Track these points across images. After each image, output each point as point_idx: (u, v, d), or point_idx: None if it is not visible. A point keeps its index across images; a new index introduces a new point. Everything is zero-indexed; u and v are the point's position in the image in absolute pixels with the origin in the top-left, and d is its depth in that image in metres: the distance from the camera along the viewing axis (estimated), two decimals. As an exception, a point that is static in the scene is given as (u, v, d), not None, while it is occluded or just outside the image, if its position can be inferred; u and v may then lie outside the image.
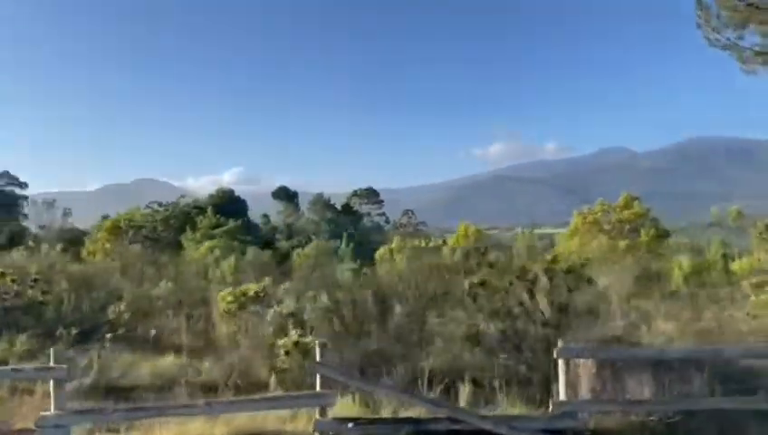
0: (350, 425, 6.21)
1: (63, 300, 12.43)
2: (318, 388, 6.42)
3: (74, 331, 10.42)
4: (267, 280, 12.83)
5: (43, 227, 46.82)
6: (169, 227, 36.88)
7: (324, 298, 9.82)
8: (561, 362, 6.71)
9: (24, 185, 62.46)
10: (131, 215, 33.19)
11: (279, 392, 7.56)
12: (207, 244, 25.49)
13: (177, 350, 10.33)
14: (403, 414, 6.80)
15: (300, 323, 9.13)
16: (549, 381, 7.45)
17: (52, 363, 6.02)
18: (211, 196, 66.67)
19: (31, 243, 24.68)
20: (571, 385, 6.83)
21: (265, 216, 73.49)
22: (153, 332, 11.52)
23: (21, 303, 12.12)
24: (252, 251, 21.03)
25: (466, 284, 8.95)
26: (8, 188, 60.57)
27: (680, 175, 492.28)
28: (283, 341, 8.45)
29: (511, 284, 8.82)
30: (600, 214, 15.73)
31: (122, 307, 12.10)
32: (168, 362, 9.78)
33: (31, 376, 7.25)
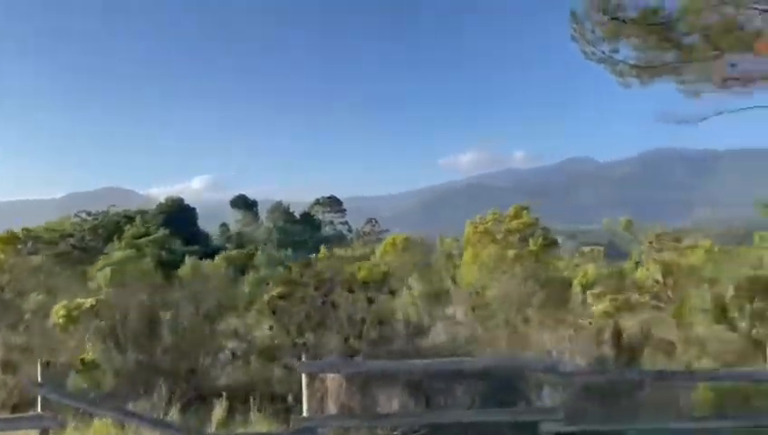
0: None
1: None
2: (39, 409, 6.25)
3: None
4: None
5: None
6: (97, 236, 36.35)
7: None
8: (304, 377, 6.67)
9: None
10: (51, 225, 32.54)
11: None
12: (117, 254, 25.04)
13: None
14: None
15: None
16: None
17: None
18: (160, 204, 65.98)
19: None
20: (319, 400, 6.79)
21: (224, 225, 72.96)
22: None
23: None
24: (147, 263, 20.69)
25: (266, 296, 8.88)
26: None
27: (642, 184, 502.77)
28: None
29: (307, 296, 8.77)
30: (491, 224, 15.86)
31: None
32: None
33: None
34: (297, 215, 73.78)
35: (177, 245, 37.22)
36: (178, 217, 59.54)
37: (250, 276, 22.83)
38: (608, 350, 9.60)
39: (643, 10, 13.70)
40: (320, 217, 74.13)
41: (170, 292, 10.45)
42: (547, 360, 7.42)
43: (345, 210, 75.71)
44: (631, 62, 15.40)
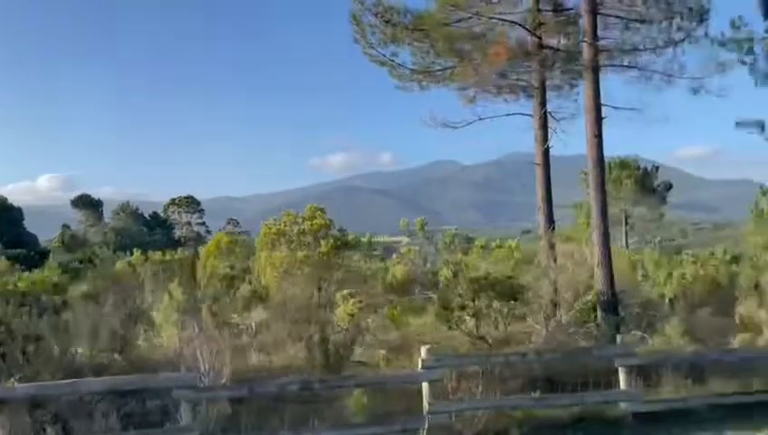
0: None
1: None
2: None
3: None
4: None
5: None
6: None
7: None
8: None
9: None
10: None
11: None
12: None
13: None
14: None
15: None
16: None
17: None
18: (-21, 204, 59.80)
19: None
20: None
21: (66, 226, 67.56)
22: None
23: None
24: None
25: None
26: None
27: (500, 186, 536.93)
28: None
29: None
30: (285, 225, 15.80)
31: None
32: None
33: None
34: (147, 215, 70.17)
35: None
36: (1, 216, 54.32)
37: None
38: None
39: (414, 15, 14.06)
40: (176, 217, 70.87)
41: None
42: (185, 376, 6.89)
43: (203, 210, 73.06)
44: (410, 66, 15.97)
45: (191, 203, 72.21)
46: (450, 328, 10.42)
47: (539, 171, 14.76)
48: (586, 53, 11.96)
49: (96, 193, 76.74)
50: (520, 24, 13.44)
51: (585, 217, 27.27)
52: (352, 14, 14.54)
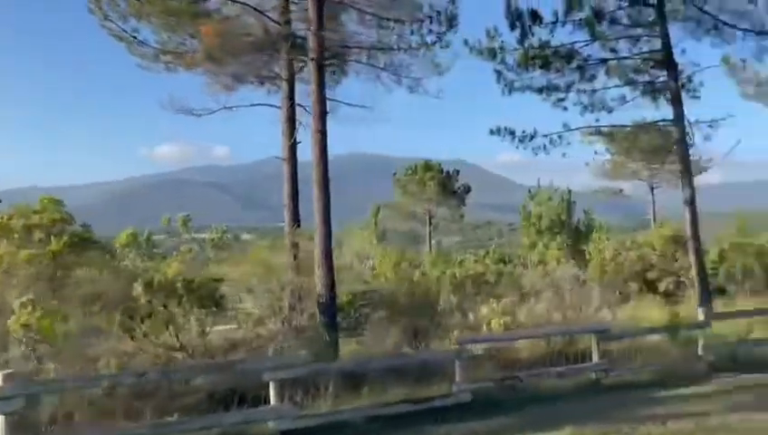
0: None
1: None
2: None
3: None
4: None
5: None
6: None
7: None
8: None
9: None
10: None
11: None
12: None
13: None
14: None
15: None
16: None
17: None
18: None
19: None
20: None
21: None
22: None
23: None
24: None
25: None
26: None
27: (339, 184, 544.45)
28: None
29: None
30: (10, 218, 13.48)
31: None
32: None
33: None
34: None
35: None
36: None
37: None
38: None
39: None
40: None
41: None
42: None
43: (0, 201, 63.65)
44: (154, 45, 14.28)
45: (-9, 194, 62.80)
46: (133, 338, 9.24)
47: (285, 167, 14.07)
48: (311, 42, 11.42)
49: None
50: (255, 9, 12.56)
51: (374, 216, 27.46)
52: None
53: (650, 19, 16.91)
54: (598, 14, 16.15)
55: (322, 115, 11.28)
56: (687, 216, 16.93)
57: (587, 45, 17.38)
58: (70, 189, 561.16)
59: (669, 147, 41.20)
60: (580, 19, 16.64)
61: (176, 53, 14.06)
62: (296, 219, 13.75)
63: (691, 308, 17.06)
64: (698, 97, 18.42)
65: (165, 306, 9.29)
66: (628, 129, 19.29)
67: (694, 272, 16.72)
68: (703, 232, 17.58)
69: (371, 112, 12.77)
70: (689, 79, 18.43)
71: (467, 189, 48.49)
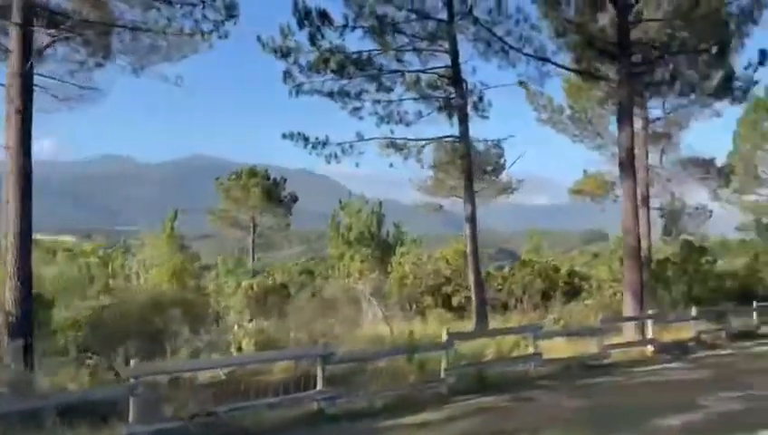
0: None
1: None
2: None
3: None
4: None
5: None
6: None
7: None
8: None
9: None
10: None
11: None
12: None
13: None
14: None
15: None
16: None
17: None
18: None
19: None
20: None
21: None
22: None
23: None
24: None
25: None
26: None
27: (178, 188, 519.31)
28: None
29: None
30: None
31: None
32: None
33: None
34: None
35: None
36: None
37: None
38: None
39: None
40: None
41: None
42: None
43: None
44: None
45: None
46: None
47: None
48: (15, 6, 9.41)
49: None
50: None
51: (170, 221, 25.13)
52: None
53: (440, 34, 16.92)
54: (383, 23, 15.76)
55: (25, 91, 9.33)
56: (468, 232, 17.11)
57: (380, 54, 17.05)
58: None
59: (485, 164, 42.93)
60: (371, 26, 16.20)
61: None
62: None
63: (472, 323, 17.33)
64: (487, 117, 18.86)
65: None
66: (423, 143, 19.14)
67: (472, 288, 16.89)
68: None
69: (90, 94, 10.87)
70: (480, 98, 18.87)
71: (294, 198, 47.25)
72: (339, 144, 17.28)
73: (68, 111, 11.83)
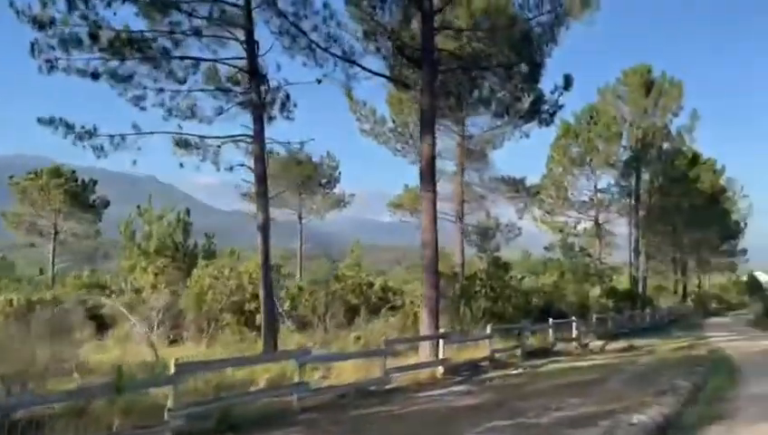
0: None
1: None
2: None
3: None
4: None
5: None
6: None
7: None
8: None
9: None
10: None
11: None
12: None
13: None
14: None
15: None
16: None
17: None
18: None
19: None
20: None
21: None
22: None
23: None
24: None
25: None
26: None
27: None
28: None
29: None
30: None
31: None
32: None
33: None
34: None
35: None
36: None
37: None
38: None
39: None
40: None
41: None
42: None
43: None
44: None
45: None
46: None
47: None
48: None
49: None
50: None
51: None
52: None
53: (237, 21, 15.14)
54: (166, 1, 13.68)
55: None
56: (260, 242, 15.36)
57: (167, 37, 14.86)
58: None
59: (315, 174, 41.50)
60: (149, 1, 14.01)
61: None
62: None
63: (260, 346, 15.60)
64: (292, 118, 17.40)
65: None
66: (218, 142, 17.09)
67: (262, 304, 15.14)
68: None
69: None
70: (288, 96, 17.41)
71: (105, 203, 42.47)
72: (110, 136, 14.77)
73: None
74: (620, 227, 41.51)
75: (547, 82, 24.31)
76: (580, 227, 42.13)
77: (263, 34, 16.08)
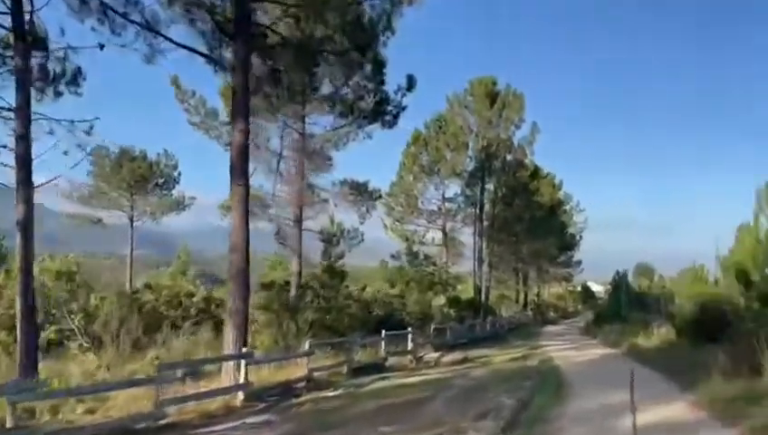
0: None
1: None
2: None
3: None
4: None
5: None
6: None
7: None
8: None
9: None
10: None
11: None
12: None
13: None
14: None
15: None
16: None
17: None
18: None
19: None
20: None
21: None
22: None
23: None
24: None
25: None
26: None
27: None
28: None
29: None
30: None
31: None
32: None
33: None
34: None
35: None
36: None
37: None
38: None
39: None
40: None
41: None
42: None
43: None
44: None
45: None
46: None
47: None
48: None
49: None
50: None
51: None
52: None
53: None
54: None
55: None
56: (19, 245, 12.20)
57: None
58: None
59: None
60: None
61: None
62: None
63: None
64: (79, 94, 14.45)
65: None
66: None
67: (19, 320, 11.98)
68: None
69: None
70: (79, 70, 14.47)
71: None
72: None
73: None
74: (468, 237, 41.95)
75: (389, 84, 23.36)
76: (429, 236, 42.03)
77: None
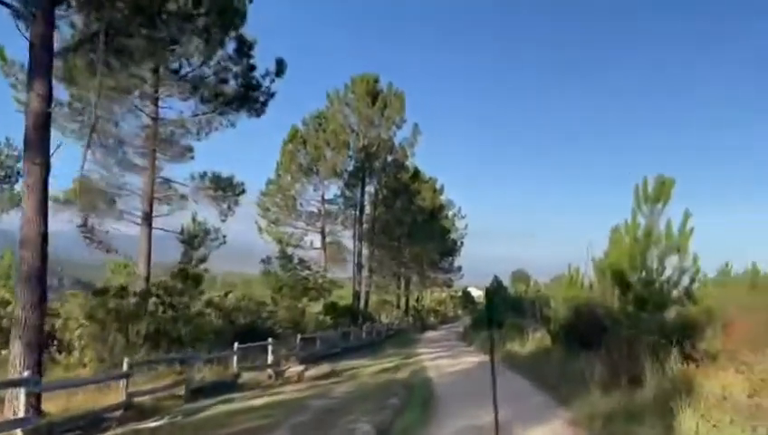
0: None
1: None
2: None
3: None
4: None
5: None
6: None
7: None
8: None
9: None
10: None
11: None
12: None
13: None
14: None
15: None
16: None
17: None
18: None
19: None
20: None
21: None
22: None
23: None
24: None
25: None
26: None
27: None
28: None
29: None
30: None
31: None
32: None
33: None
34: None
35: None
36: None
37: None
38: None
39: None
40: None
41: None
42: None
43: None
44: None
45: None
46: None
47: None
48: None
49: None
50: None
51: None
52: None
53: None
54: None
55: None
56: None
57: None
58: None
59: None
60: None
61: None
62: None
63: None
64: None
65: None
66: None
67: None
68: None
69: None
70: None
71: None
72: None
73: None
74: (349, 240, 40.21)
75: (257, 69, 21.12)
76: (308, 240, 39.88)
77: None
